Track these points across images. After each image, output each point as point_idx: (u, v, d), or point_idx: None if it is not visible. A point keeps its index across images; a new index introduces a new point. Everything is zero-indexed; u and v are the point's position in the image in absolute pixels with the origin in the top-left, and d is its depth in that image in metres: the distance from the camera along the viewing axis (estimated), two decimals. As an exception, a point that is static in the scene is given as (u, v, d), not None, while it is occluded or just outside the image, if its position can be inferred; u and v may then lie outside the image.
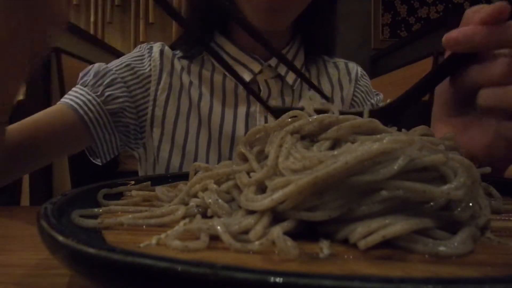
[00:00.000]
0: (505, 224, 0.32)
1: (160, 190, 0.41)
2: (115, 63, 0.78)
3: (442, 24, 2.31)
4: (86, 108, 0.71)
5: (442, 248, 0.24)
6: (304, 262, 0.23)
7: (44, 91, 1.29)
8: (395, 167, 0.26)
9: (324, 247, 0.25)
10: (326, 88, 0.88)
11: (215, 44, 0.82)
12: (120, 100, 0.74)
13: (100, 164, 0.79)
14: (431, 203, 0.26)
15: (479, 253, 0.24)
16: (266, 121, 0.79)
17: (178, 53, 0.83)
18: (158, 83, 0.78)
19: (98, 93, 0.73)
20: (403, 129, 0.36)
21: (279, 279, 0.17)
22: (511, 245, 0.26)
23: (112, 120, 0.74)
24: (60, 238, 0.23)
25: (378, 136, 0.31)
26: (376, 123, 0.33)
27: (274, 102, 0.81)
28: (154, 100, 0.78)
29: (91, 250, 0.21)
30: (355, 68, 0.93)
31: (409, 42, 2.93)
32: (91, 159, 0.79)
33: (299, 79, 0.83)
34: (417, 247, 0.24)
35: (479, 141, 0.48)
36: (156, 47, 0.82)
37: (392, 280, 0.17)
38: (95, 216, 0.33)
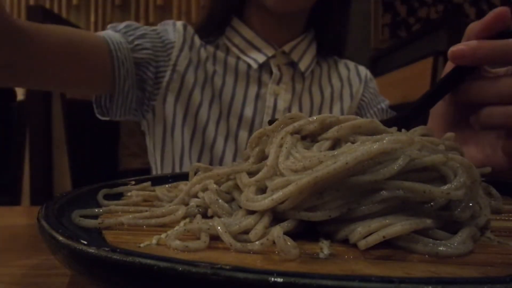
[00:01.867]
0: (505, 224, 0.32)
1: (160, 190, 0.41)
2: (145, 26, 0.81)
3: (442, 25, 2.30)
4: (117, 46, 0.72)
5: (442, 248, 0.24)
6: (304, 262, 0.23)
7: (44, 91, 1.29)
8: (395, 167, 0.26)
9: (324, 247, 0.25)
10: (336, 84, 0.90)
11: (231, 28, 0.86)
12: (146, 52, 0.77)
13: (108, 119, 0.79)
14: (431, 203, 0.26)
15: (479, 253, 0.24)
16: (275, 103, 0.82)
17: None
18: (180, 52, 0.81)
19: (129, 40, 0.75)
20: (403, 130, 0.36)
21: (279, 279, 0.17)
22: (511, 245, 0.26)
23: (135, 69, 0.76)
24: (61, 238, 0.23)
25: (378, 136, 0.31)
26: (376, 123, 0.33)
27: (284, 86, 0.83)
28: (174, 65, 0.80)
29: (91, 250, 0.21)
30: (365, 71, 0.96)
31: (409, 42, 2.92)
32: (98, 114, 0.79)
33: (311, 67, 0.86)
34: (417, 247, 0.24)
35: (474, 157, 0.49)
36: (179, 22, 0.86)
37: (392, 280, 0.17)
38: (95, 216, 0.33)
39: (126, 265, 0.19)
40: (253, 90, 0.83)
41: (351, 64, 0.95)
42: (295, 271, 0.18)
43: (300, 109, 0.84)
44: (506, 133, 0.46)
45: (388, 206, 0.26)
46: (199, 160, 0.80)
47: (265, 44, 0.84)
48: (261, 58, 0.83)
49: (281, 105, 0.82)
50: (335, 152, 0.29)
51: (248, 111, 0.81)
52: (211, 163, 0.79)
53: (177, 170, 0.80)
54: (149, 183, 0.45)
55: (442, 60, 1.52)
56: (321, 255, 0.24)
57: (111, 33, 0.74)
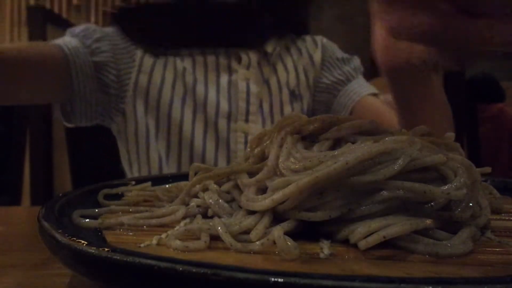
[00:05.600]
0: (505, 224, 0.32)
1: (160, 190, 0.41)
2: (104, 28, 0.81)
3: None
4: (73, 51, 0.72)
5: (442, 248, 0.24)
6: (304, 262, 0.23)
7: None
8: (396, 167, 0.26)
9: (325, 247, 0.25)
10: (297, 57, 0.90)
11: None
12: (105, 54, 0.76)
13: (73, 125, 0.80)
14: (432, 203, 0.26)
15: (479, 253, 0.24)
16: (248, 88, 0.81)
17: None
18: (145, 53, 0.80)
19: (86, 44, 0.75)
20: (403, 129, 0.36)
21: (279, 279, 0.17)
22: (511, 245, 0.26)
23: (96, 73, 0.75)
24: (61, 238, 0.23)
25: (379, 136, 0.31)
26: (377, 123, 0.33)
27: (254, 70, 0.83)
28: (140, 65, 0.79)
29: (92, 250, 0.21)
30: (321, 38, 0.94)
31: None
32: (65, 122, 0.79)
33: (277, 49, 0.86)
34: (418, 247, 0.24)
35: (410, 47, 0.44)
36: None
37: (392, 280, 0.17)
38: (95, 217, 0.33)
39: (126, 265, 0.19)
40: (224, 78, 0.82)
41: (307, 37, 0.95)
42: (296, 271, 0.18)
43: (269, 89, 0.84)
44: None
45: (389, 206, 0.26)
46: (178, 160, 0.79)
47: None
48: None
49: (254, 88, 0.82)
50: (335, 152, 0.29)
51: (223, 100, 0.80)
52: (191, 160, 0.78)
53: (155, 173, 0.79)
54: (149, 183, 0.45)
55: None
56: (322, 255, 0.24)
57: (68, 39, 0.74)
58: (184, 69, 0.81)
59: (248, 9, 0.84)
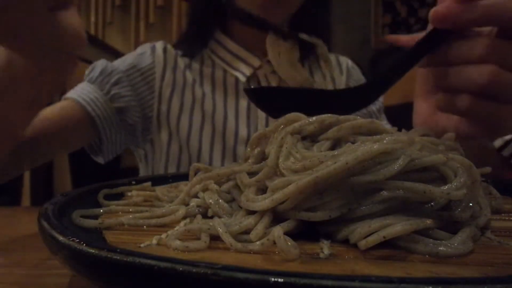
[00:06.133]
0: (505, 224, 0.32)
1: (160, 190, 0.41)
2: (120, 62, 0.80)
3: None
4: (94, 105, 0.72)
5: (442, 248, 0.24)
6: (304, 262, 0.23)
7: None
8: (396, 167, 0.26)
9: (325, 247, 0.25)
10: (319, 81, 0.87)
11: (215, 41, 0.84)
12: (126, 98, 0.76)
13: (102, 162, 0.80)
14: (432, 203, 0.26)
15: (479, 253, 0.24)
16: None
17: (179, 52, 0.85)
18: (162, 79, 0.80)
19: (105, 91, 0.74)
20: (403, 129, 0.36)
21: (279, 279, 0.17)
22: (511, 245, 0.26)
23: (118, 118, 0.76)
24: (61, 238, 0.23)
25: (379, 136, 0.31)
26: (377, 123, 0.33)
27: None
28: (159, 95, 0.80)
29: (92, 250, 0.21)
30: (346, 61, 0.94)
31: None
32: (92, 156, 0.80)
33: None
34: (418, 247, 0.24)
35: (447, 120, 0.47)
36: (159, 44, 0.85)
37: (392, 280, 0.17)
38: (95, 216, 0.33)
39: (126, 265, 0.19)
40: (243, 103, 0.82)
41: (332, 56, 0.93)
42: (296, 271, 0.18)
43: None
44: (471, 96, 0.43)
45: (389, 206, 0.26)
46: None
47: (250, 55, 0.82)
48: (248, 70, 0.81)
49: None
50: (335, 152, 0.29)
51: (242, 127, 0.80)
52: None
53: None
54: (149, 183, 0.45)
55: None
56: (322, 255, 0.24)
57: (86, 89, 0.73)
58: (204, 94, 0.81)
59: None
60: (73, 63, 0.41)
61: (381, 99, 0.93)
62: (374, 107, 0.91)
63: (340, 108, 0.39)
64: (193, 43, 0.84)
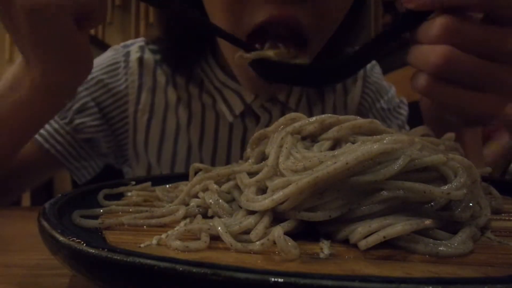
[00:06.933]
0: (505, 224, 0.32)
1: (160, 190, 0.41)
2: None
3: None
4: (52, 141, 0.64)
5: (442, 248, 0.24)
6: (304, 262, 0.23)
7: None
8: (396, 167, 0.26)
9: (325, 247, 0.25)
10: (329, 98, 0.75)
11: (206, 63, 0.69)
12: (93, 129, 0.66)
13: (79, 183, 0.72)
14: (432, 203, 0.26)
15: (479, 253, 0.24)
16: None
17: (158, 58, 0.69)
18: (137, 103, 0.68)
19: (67, 120, 0.64)
20: (403, 129, 0.36)
21: (279, 279, 0.17)
22: (511, 245, 0.26)
23: (88, 146, 0.67)
24: (61, 238, 0.23)
25: (379, 136, 0.31)
26: (377, 123, 0.33)
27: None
28: (134, 123, 0.68)
29: (92, 250, 0.21)
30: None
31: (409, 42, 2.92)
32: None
33: (302, 98, 0.71)
34: (418, 247, 0.24)
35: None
36: (134, 52, 0.69)
37: (392, 280, 0.17)
38: (95, 217, 0.33)
39: (126, 265, 0.19)
40: (238, 135, 0.68)
41: None
42: (296, 271, 0.18)
43: None
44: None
45: (389, 206, 0.26)
46: None
47: (240, 86, 0.66)
48: (238, 107, 0.66)
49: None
50: (335, 152, 0.29)
51: (236, 159, 0.67)
52: None
53: None
54: (149, 183, 0.45)
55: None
56: (322, 255, 0.24)
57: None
58: (190, 116, 0.68)
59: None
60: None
61: (404, 112, 0.78)
62: (397, 118, 0.76)
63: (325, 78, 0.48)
64: (179, 59, 0.68)
